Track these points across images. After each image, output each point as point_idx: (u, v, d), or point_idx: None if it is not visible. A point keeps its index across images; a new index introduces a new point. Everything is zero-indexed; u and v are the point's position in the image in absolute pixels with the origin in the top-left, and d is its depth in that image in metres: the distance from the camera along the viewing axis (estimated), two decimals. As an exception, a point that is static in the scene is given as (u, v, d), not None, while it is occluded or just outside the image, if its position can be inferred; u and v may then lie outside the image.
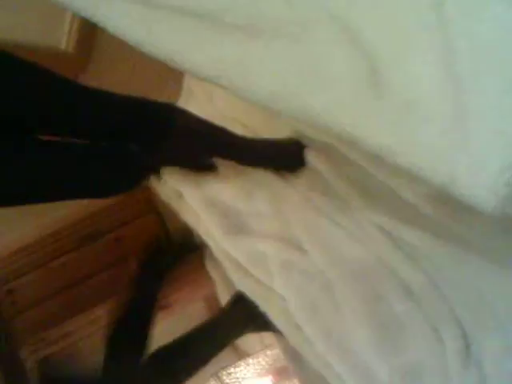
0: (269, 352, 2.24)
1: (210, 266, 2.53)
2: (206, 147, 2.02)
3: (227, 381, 2.26)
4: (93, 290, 3.09)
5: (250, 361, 2.27)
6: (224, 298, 2.45)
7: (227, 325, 2.22)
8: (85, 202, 2.80)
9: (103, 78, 3.25)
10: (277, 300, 2.12)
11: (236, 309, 2.22)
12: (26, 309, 3.03)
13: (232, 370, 2.28)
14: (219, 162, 2.22)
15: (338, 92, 1.17)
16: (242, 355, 2.42)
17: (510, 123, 1.03)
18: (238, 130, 2.48)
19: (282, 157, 2.15)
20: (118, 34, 1.35)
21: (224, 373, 2.27)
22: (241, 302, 2.16)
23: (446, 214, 1.68)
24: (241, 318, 2.21)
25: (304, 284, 2.04)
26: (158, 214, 3.28)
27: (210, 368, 2.37)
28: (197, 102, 2.75)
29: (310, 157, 2.15)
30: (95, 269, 3.16)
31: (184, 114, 1.98)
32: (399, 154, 1.12)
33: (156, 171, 2.09)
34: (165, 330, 2.65)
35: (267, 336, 2.25)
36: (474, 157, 1.06)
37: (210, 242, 2.27)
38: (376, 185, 1.93)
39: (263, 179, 2.20)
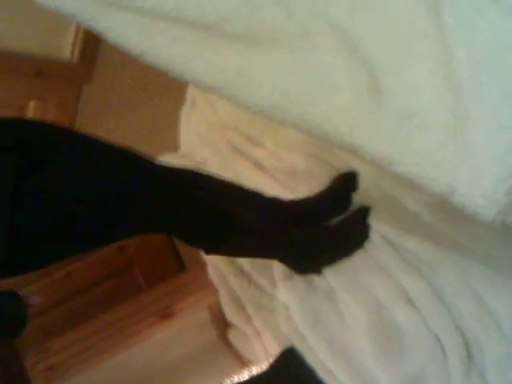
0: (272, 360, 2.25)
1: (212, 275, 2.53)
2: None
3: (231, 389, 2.26)
4: (97, 299, 3.10)
5: (254, 370, 2.27)
6: (227, 307, 2.45)
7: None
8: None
9: (107, 87, 3.27)
10: (281, 309, 2.13)
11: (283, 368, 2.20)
12: (30, 318, 3.03)
13: (236, 379, 2.28)
14: None
15: (337, 101, 1.17)
16: (245, 364, 2.42)
17: (509, 132, 1.03)
18: (240, 140, 2.49)
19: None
20: (119, 44, 1.36)
21: (228, 382, 2.27)
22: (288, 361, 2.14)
23: (448, 222, 1.68)
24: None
25: (307, 292, 2.04)
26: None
27: (214, 377, 2.37)
28: (200, 112, 2.76)
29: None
30: (99, 278, 3.16)
31: (208, 179, 1.97)
32: (399, 164, 1.13)
33: None
34: (168, 338, 2.65)
35: (271, 345, 2.25)
36: (474, 166, 1.06)
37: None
38: (378, 193, 1.93)
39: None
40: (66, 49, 3.14)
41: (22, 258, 1.45)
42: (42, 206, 1.40)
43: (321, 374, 1.92)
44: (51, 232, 1.44)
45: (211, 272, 2.55)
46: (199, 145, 2.69)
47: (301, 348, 2.01)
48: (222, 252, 1.91)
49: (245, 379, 2.18)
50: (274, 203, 2.07)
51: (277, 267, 2.13)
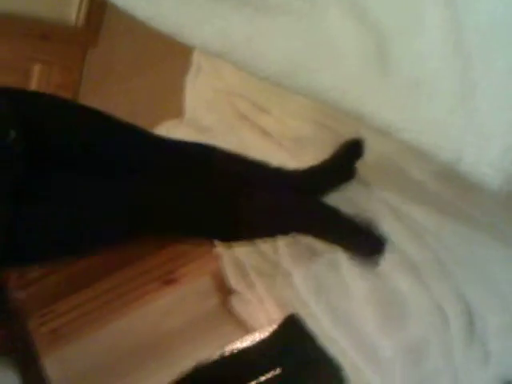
0: (275, 326, 2.26)
1: (216, 242, 2.53)
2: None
3: (234, 354, 2.27)
4: (100, 264, 3.10)
5: (256, 336, 2.28)
6: (230, 274, 2.46)
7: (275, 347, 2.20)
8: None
9: (113, 52, 3.25)
10: (284, 276, 2.14)
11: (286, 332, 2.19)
12: (33, 282, 3.04)
13: (237, 344, 2.29)
14: None
15: (345, 68, 1.17)
16: (248, 330, 2.43)
17: (517, 101, 1.03)
18: (246, 106, 2.48)
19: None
20: (127, 8, 1.35)
21: (229, 347, 2.28)
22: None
23: (453, 191, 1.68)
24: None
25: (311, 259, 2.04)
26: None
27: (216, 342, 2.38)
28: (206, 78, 2.75)
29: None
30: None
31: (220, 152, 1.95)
32: (406, 131, 1.13)
33: None
34: (171, 304, 2.66)
35: (274, 311, 2.26)
36: (481, 135, 1.06)
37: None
38: (383, 163, 1.93)
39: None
40: (72, 12, 3.12)
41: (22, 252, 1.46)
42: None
43: (323, 341, 1.93)
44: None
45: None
46: (204, 111, 2.68)
47: (303, 315, 2.02)
48: (242, 235, 1.90)
49: (247, 345, 2.18)
50: (280, 174, 2.05)
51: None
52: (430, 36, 1.11)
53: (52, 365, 2.61)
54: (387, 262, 1.87)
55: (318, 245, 2.03)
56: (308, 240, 2.04)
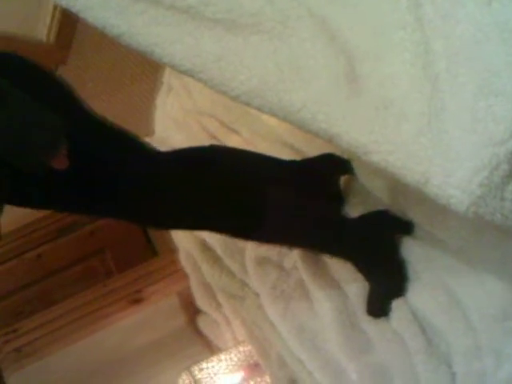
0: (241, 348, 2.24)
1: (184, 261, 2.53)
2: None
3: (199, 376, 2.25)
4: (67, 282, 3.09)
5: (223, 356, 2.27)
6: (197, 294, 2.45)
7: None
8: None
9: (83, 70, 3.25)
10: (252, 297, 2.13)
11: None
12: (-1, 299, 3.02)
13: (204, 365, 2.28)
14: None
15: (315, 89, 1.18)
16: (214, 351, 2.42)
17: (484, 124, 1.04)
18: (215, 126, 2.49)
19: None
20: (97, 25, 1.35)
21: (196, 368, 2.27)
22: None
23: (421, 213, 1.69)
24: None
25: (279, 280, 2.04)
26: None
27: (181, 363, 2.37)
28: (176, 97, 2.75)
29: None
30: (70, 261, 3.15)
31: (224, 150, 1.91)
32: (374, 152, 1.13)
33: None
34: (137, 323, 2.65)
35: (240, 333, 2.26)
36: (449, 157, 1.07)
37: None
38: (351, 184, 1.94)
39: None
40: (43, 29, 3.12)
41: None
42: None
43: (290, 362, 1.93)
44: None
45: (182, 258, 2.54)
46: (174, 130, 2.68)
47: (271, 336, 2.01)
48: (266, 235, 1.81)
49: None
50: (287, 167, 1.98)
51: (249, 253, 2.13)
52: (399, 58, 1.12)
53: (17, 383, 2.59)
54: (347, 282, 1.86)
55: (286, 264, 2.03)
56: (277, 258, 2.04)
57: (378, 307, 1.77)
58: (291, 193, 1.80)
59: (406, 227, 1.74)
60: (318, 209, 1.84)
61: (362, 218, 1.81)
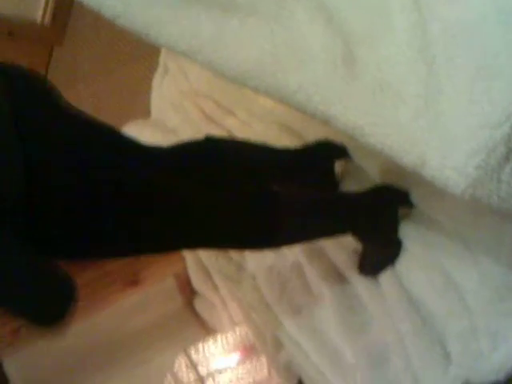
0: (237, 329, 2.25)
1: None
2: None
3: (195, 356, 2.26)
4: (63, 265, 3.08)
5: (219, 337, 2.27)
6: (194, 276, 2.45)
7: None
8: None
9: (78, 51, 3.24)
10: (248, 279, 2.13)
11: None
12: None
13: (200, 346, 2.28)
14: None
15: (312, 71, 1.17)
16: (210, 332, 2.42)
17: (481, 106, 1.04)
18: (212, 108, 2.48)
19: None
20: (93, 6, 1.34)
21: (192, 349, 2.27)
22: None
23: (418, 196, 1.69)
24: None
25: (275, 263, 2.04)
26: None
27: (178, 344, 2.37)
28: (172, 79, 2.74)
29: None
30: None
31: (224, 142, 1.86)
32: (371, 135, 1.13)
33: None
34: (134, 305, 2.65)
35: (236, 313, 2.26)
36: (445, 139, 1.07)
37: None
38: (347, 166, 1.93)
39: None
40: (38, 10, 3.10)
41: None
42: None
43: (287, 343, 1.93)
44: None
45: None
46: (171, 112, 2.67)
47: (267, 318, 2.02)
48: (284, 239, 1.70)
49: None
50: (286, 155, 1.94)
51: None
52: (396, 40, 1.11)
53: (13, 365, 2.58)
54: (345, 264, 1.86)
55: (285, 248, 2.03)
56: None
57: (369, 269, 1.82)
58: (300, 192, 1.80)
59: (409, 201, 1.74)
60: (325, 198, 1.81)
61: (367, 190, 1.79)
